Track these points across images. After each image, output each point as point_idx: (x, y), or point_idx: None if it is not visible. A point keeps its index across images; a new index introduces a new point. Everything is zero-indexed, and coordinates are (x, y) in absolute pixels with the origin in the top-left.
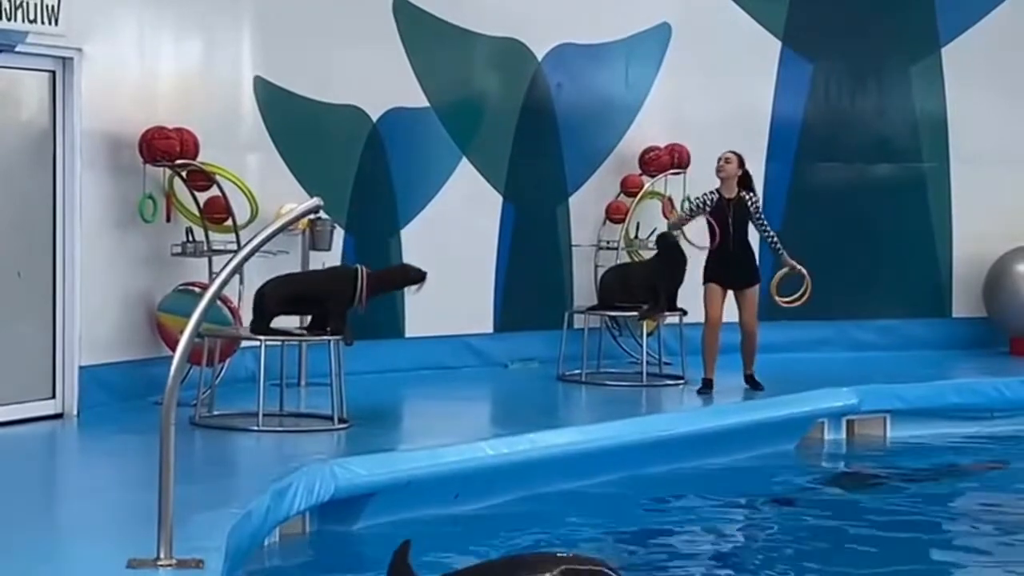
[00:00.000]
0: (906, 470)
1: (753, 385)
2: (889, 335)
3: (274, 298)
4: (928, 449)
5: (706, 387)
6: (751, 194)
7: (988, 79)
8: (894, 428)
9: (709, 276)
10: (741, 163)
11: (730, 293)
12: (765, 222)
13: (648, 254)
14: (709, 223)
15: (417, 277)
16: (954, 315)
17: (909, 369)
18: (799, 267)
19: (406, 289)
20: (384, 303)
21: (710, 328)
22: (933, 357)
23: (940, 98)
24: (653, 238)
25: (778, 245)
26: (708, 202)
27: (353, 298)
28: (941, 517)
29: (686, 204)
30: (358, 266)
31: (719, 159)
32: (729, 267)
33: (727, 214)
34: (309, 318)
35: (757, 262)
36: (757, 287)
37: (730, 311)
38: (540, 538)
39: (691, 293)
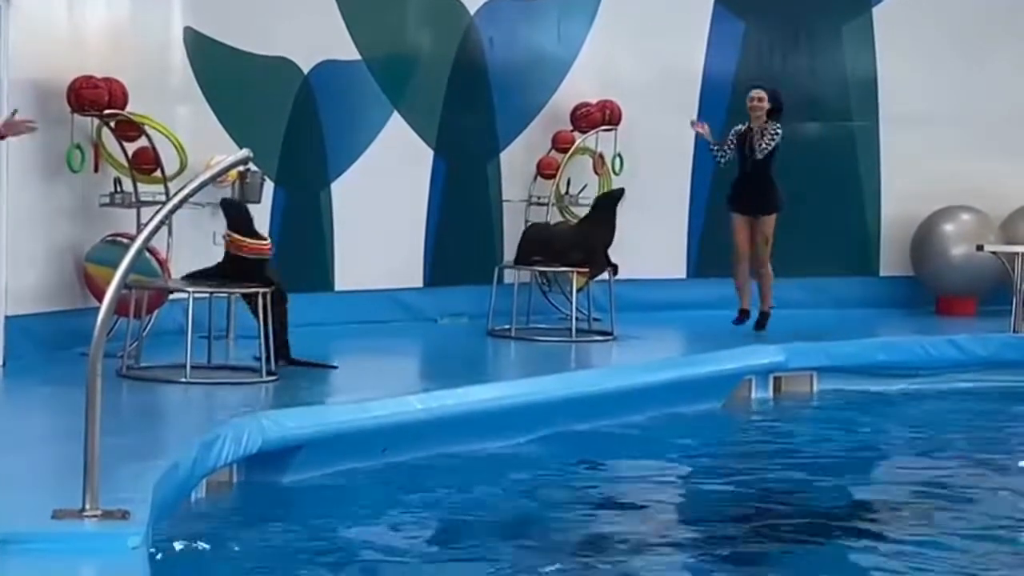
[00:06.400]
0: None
1: (759, 323)
2: (817, 293)
3: None
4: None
5: (741, 317)
6: (776, 124)
7: (919, 40)
8: (821, 385)
9: (731, 205)
10: (771, 98)
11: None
12: (768, 146)
13: (579, 210)
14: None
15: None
16: (882, 274)
17: (836, 327)
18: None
19: None
20: (313, 256)
21: (737, 258)
22: (860, 315)
23: (871, 58)
24: (584, 194)
25: (763, 148)
26: (734, 132)
27: None
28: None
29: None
30: None
31: (751, 98)
32: (746, 193)
33: (748, 140)
34: None
35: (776, 191)
36: (772, 217)
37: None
38: (467, 492)
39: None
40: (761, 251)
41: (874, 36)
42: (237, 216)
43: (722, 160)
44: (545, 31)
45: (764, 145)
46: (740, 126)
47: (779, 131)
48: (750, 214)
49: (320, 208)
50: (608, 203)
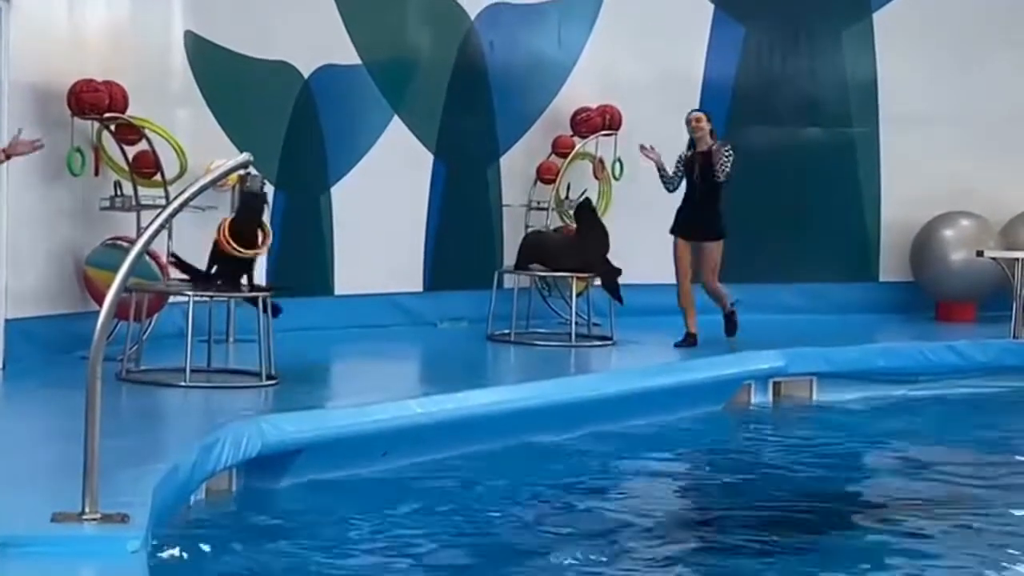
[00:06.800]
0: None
1: (728, 328)
2: (817, 298)
3: None
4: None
5: (685, 340)
6: (726, 145)
7: (919, 45)
8: (820, 391)
9: (674, 228)
10: (709, 119)
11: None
12: (725, 168)
13: None
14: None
15: None
16: (881, 279)
17: (836, 332)
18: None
19: None
20: (313, 260)
21: (680, 281)
22: (860, 321)
23: (871, 63)
24: (581, 200)
25: (724, 171)
26: (680, 159)
27: None
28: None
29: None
30: None
31: (689, 121)
32: (690, 219)
33: (695, 165)
34: None
35: (721, 219)
36: (717, 244)
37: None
38: (465, 496)
39: (617, 256)
40: (709, 280)
41: (874, 41)
42: (245, 207)
43: (671, 188)
44: (545, 35)
45: (720, 168)
46: (686, 151)
47: (731, 152)
48: (693, 239)
49: (320, 212)
50: (588, 212)
